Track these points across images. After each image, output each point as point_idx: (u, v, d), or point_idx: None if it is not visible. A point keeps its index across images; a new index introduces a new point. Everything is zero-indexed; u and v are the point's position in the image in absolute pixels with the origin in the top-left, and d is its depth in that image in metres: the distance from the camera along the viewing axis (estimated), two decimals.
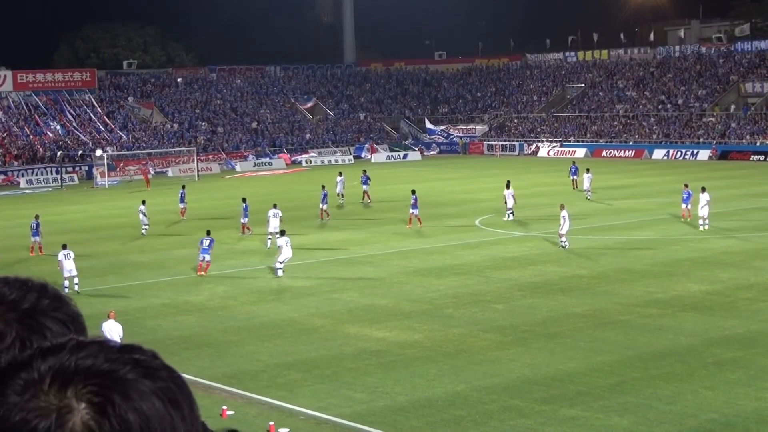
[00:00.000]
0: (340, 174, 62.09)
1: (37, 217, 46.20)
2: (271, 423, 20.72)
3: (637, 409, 21.21)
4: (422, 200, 55.23)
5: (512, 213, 50.17)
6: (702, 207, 45.28)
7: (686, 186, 48.95)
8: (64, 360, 1.61)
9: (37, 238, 45.03)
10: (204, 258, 38.00)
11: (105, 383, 1.59)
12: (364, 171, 62.72)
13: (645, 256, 39.30)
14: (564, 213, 41.27)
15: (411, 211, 49.10)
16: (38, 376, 1.59)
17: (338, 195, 59.99)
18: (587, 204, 55.66)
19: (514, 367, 24.66)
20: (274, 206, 45.78)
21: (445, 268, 38.32)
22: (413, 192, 49.67)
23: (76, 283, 35.59)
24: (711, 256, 38.97)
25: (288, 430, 20.60)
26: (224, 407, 21.89)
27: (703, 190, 46.20)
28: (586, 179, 59.60)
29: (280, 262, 37.45)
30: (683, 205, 47.88)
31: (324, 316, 31.10)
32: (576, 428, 20.26)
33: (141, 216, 49.88)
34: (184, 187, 59.31)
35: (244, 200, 49.36)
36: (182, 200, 56.22)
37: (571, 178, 65.62)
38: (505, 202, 50.51)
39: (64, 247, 36.29)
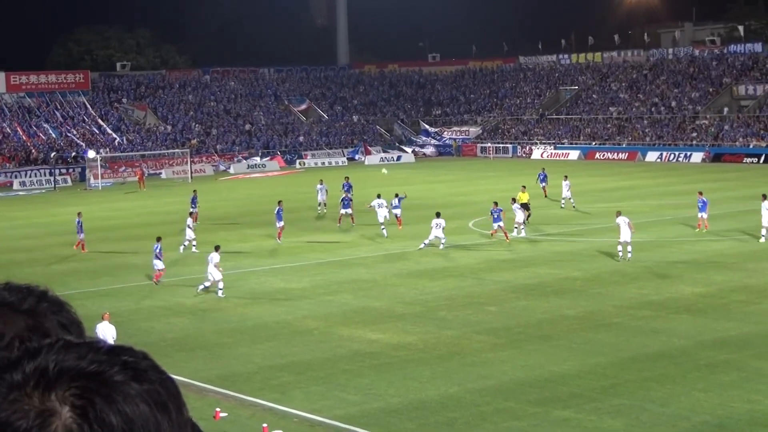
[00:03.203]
0: (321, 182, 57.94)
1: (79, 214, 46.17)
2: (265, 425, 20.69)
3: (630, 411, 21.22)
4: (415, 202, 55.21)
5: (524, 228, 46.46)
6: (765, 216, 42.12)
7: (700, 194, 46.25)
8: (50, 361, 1.60)
9: (82, 235, 45.09)
10: (498, 226, 43.71)
11: (89, 385, 1.58)
12: (347, 178, 58.37)
13: (638, 258, 39.29)
14: (619, 219, 39.16)
15: (394, 211, 48.99)
16: (23, 378, 1.59)
17: (319, 204, 56.55)
18: (580, 206, 55.56)
19: (508, 369, 24.66)
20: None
21: (438, 270, 38.32)
22: (396, 195, 49.83)
23: (220, 288, 34.51)
24: (704, 259, 39.02)
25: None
26: (217, 409, 21.87)
27: (765, 197, 42.75)
28: (564, 187, 55.97)
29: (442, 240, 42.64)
30: (700, 214, 45.44)
31: (317, 318, 31.09)
32: (569, 430, 20.27)
33: (188, 231, 44.91)
34: (195, 191, 57.01)
35: (279, 203, 47.66)
36: (194, 204, 53.71)
37: (541, 185, 60.42)
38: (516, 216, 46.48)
39: (216, 249, 35.55)
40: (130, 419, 1.56)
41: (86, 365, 1.59)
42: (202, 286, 34.95)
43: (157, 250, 36.91)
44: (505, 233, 44.13)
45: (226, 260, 42.00)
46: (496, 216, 43.72)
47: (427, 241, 42.84)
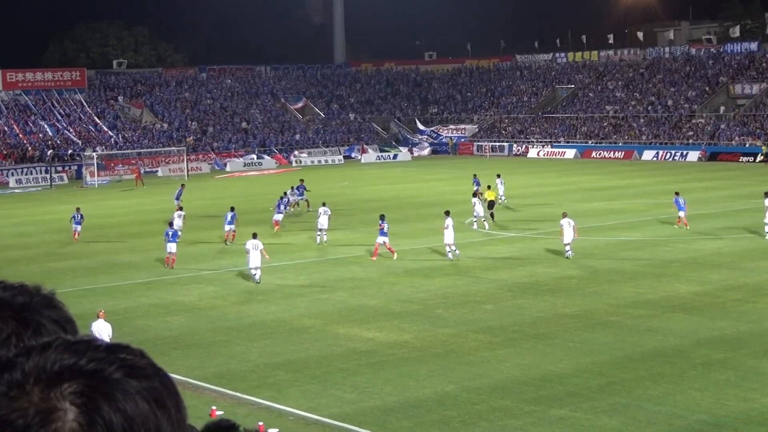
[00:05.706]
0: (291, 189, 57.66)
1: (78, 209, 48.40)
2: (261, 423, 20.68)
3: (626, 409, 21.24)
4: (412, 200, 55.15)
5: (484, 220, 48.78)
6: None
7: (677, 194, 47.37)
8: (50, 359, 1.60)
9: (78, 227, 47.11)
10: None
11: (89, 383, 1.58)
12: (302, 180, 58.17)
13: (634, 257, 39.34)
14: (563, 221, 39.58)
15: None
16: (22, 376, 1.59)
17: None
18: (577, 205, 55.59)
19: (504, 368, 24.67)
20: (324, 204, 45.41)
21: (434, 269, 38.33)
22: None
23: (258, 276, 36.32)
24: (700, 257, 39.04)
25: (277, 430, 20.58)
26: (213, 407, 21.87)
27: (767, 195, 42.89)
28: (498, 184, 57.64)
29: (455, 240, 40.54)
30: (680, 212, 46.02)
31: (313, 316, 31.09)
32: (565, 429, 20.28)
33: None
34: (183, 185, 57.91)
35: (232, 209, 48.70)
36: (178, 198, 54.29)
37: (475, 188, 56.57)
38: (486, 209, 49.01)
39: (254, 236, 36.89)
40: (131, 417, 1.57)
41: (85, 363, 1.60)
42: (257, 277, 36.46)
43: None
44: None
45: (222, 259, 42.09)
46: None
47: (453, 247, 40.21)
